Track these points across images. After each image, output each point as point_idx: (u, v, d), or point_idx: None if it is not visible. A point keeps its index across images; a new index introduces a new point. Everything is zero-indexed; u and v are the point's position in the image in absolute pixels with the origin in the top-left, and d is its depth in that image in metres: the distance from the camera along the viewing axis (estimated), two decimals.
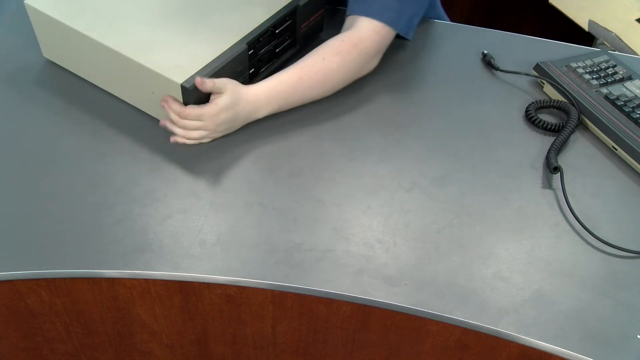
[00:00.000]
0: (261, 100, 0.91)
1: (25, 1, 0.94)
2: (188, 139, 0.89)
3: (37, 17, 0.94)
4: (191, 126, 0.87)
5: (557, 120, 0.97)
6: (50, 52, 1.00)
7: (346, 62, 0.93)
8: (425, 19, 1.14)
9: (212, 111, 0.86)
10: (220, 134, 0.91)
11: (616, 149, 0.92)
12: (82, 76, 0.98)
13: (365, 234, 0.82)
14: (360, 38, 0.93)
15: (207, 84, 0.85)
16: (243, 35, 0.91)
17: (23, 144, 0.90)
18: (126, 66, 0.88)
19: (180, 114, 0.86)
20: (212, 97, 0.87)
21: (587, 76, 1.00)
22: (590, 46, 1.14)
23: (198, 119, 0.86)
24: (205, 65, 0.86)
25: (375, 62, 0.98)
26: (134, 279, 0.78)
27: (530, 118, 0.97)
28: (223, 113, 0.87)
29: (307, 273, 0.77)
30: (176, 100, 0.86)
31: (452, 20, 1.18)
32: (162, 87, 0.86)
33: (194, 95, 0.85)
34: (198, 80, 0.84)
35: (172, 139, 0.89)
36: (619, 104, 0.95)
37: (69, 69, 0.99)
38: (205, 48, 0.89)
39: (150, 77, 0.86)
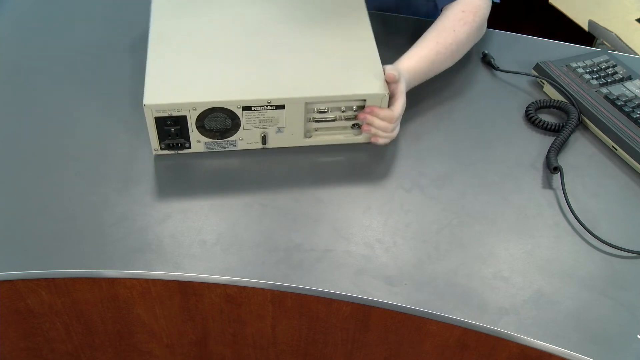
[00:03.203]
0: (407, 79, 0.92)
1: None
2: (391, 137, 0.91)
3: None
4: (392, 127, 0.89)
5: (557, 120, 0.97)
6: None
7: (472, 31, 0.97)
8: (426, 20, 1.14)
9: (402, 105, 0.88)
10: None
11: (616, 149, 0.92)
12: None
13: (365, 234, 0.82)
14: (477, 5, 0.97)
15: (395, 74, 0.86)
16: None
17: (23, 143, 0.90)
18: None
19: (391, 119, 0.87)
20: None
21: (587, 76, 1.00)
22: (590, 46, 1.14)
23: (399, 119, 0.89)
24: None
25: (484, 28, 1.02)
26: (134, 279, 0.78)
27: (530, 118, 0.97)
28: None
29: (307, 273, 0.77)
30: (381, 108, 0.87)
31: None
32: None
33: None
34: (393, 75, 0.85)
35: (382, 141, 0.90)
36: (619, 104, 0.95)
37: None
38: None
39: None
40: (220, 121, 0.85)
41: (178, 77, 0.86)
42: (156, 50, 0.89)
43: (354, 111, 0.88)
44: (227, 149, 0.89)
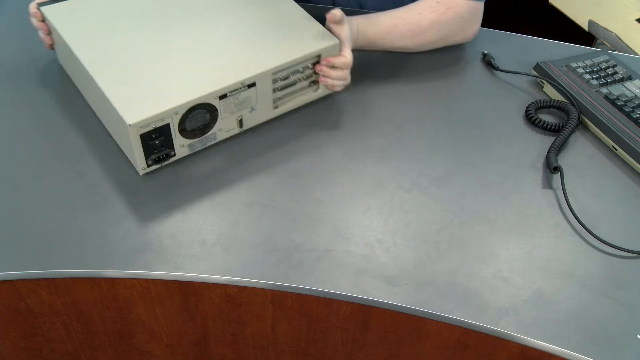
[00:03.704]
0: (356, 33, 0.94)
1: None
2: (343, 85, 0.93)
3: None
4: (343, 75, 0.91)
5: (557, 120, 0.97)
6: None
7: (440, 22, 0.97)
8: None
9: (350, 48, 0.91)
10: None
11: (616, 149, 0.92)
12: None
13: (365, 234, 0.82)
14: (455, 1, 0.97)
15: (337, 13, 0.88)
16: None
17: (23, 143, 0.90)
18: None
19: (347, 64, 0.89)
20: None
21: (587, 76, 1.00)
22: (590, 46, 1.14)
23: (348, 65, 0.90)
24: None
25: (473, 29, 1.02)
26: (134, 279, 0.78)
27: (530, 118, 0.97)
28: None
29: (307, 273, 0.77)
30: (335, 57, 0.90)
31: None
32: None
33: None
34: (336, 15, 0.87)
35: (338, 89, 0.93)
36: (619, 103, 0.95)
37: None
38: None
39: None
40: (200, 118, 0.85)
41: (142, 89, 0.83)
42: (99, 73, 0.85)
43: (310, 69, 0.91)
44: (208, 144, 0.90)
